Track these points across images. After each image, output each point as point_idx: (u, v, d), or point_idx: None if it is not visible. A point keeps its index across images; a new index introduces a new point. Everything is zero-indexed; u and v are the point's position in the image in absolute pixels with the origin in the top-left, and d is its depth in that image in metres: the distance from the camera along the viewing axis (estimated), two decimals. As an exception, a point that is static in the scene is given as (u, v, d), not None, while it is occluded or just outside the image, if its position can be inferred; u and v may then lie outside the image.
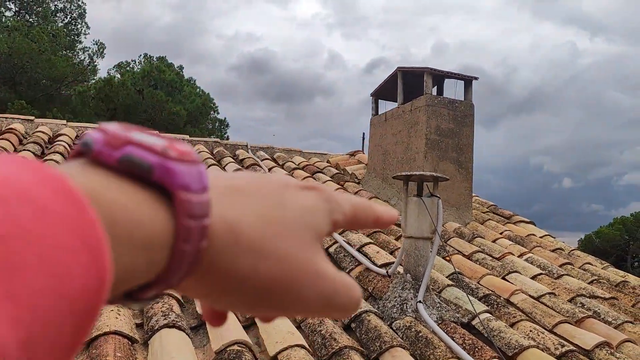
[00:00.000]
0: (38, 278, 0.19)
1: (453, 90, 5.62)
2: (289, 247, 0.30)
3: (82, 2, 19.81)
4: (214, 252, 0.27)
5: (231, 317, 2.62)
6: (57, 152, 5.22)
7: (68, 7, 19.62)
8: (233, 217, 0.29)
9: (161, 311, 2.59)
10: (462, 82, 5.46)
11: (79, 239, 0.20)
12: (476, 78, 5.39)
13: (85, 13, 19.99)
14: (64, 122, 6.63)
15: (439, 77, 5.54)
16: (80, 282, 0.20)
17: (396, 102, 5.72)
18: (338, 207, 0.34)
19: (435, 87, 5.61)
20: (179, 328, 2.48)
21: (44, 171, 0.21)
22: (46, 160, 4.89)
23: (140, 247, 0.25)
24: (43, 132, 5.91)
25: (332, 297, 0.32)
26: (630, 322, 3.42)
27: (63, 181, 0.21)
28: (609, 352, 2.92)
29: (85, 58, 20.18)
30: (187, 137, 7.07)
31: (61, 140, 5.73)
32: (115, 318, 2.47)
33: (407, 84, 5.62)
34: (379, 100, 6.30)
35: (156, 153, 0.26)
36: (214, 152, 6.60)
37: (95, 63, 20.53)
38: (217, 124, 20.96)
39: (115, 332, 2.35)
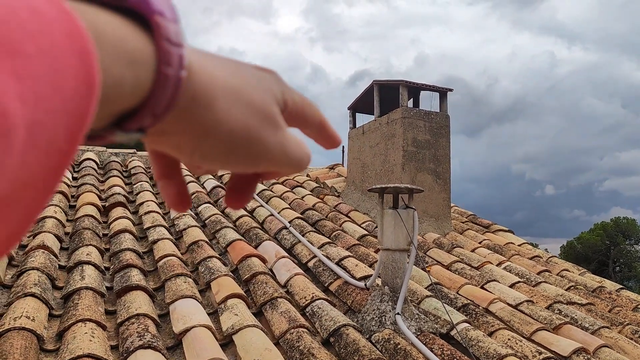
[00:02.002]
0: (38, 67, 0.19)
1: (429, 102, 5.68)
2: (256, 98, 0.33)
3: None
4: (193, 90, 0.29)
5: (208, 335, 2.60)
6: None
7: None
8: (208, 64, 0.31)
9: (136, 332, 2.55)
10: (438, 94, 5.52)
11: (69, 41, 0.21)
12: (451, 90, 5.46)
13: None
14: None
15: (415, 90, 5.60)
16: (72, 83, 0.21)
17: (373, 114, 5.77)
18: (289, 90, 0.37)
19: (412, 99, 5.67)
20: (155, 349, 2.45)
21: None
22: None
23: (125, 61, 0.25)
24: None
25: (288, 147, 0.35)
26: (607, 327, 3.46)
27: None
28: (586, 357, 2.95)
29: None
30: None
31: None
32: (89, 341, 2.43)
33: (383, 97, 5.68)
34: (357, 113, 6.35)
35: None
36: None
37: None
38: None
39: (89, 355, 2.31)
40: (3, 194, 0.19)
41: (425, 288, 3.63)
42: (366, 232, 4.74)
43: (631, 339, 3.43)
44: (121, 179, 5.60)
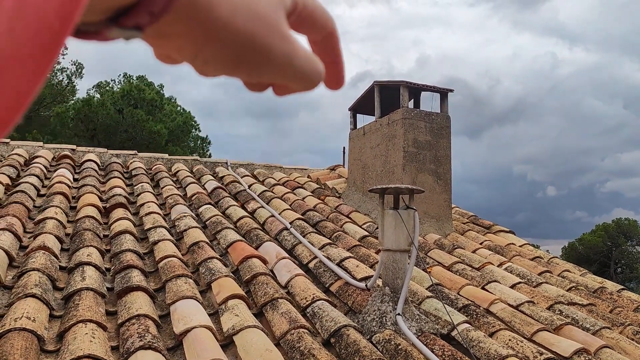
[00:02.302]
0: None
1: (430, 103, 5.69)
2: (261, 6, 0.32)
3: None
4: None
5: (209, 336, 2.60)
6: (33, 175, 5.15)
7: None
8: None
9: (137, 332, 2.55)
10: (438, 94, 5.53)
11: None
12: (451, 90, 5.47)
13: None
14: (40, 144, 6.57)
15: (415, 90, 5.60)
16: None
17: (374, 115, 5.77)
18: None
19: (412, 100, 5.67)
20: (155, 349, 2.45)
21: None
22: (20, 183, 4.83)
23: None
24: (19, 155, 5.84)
25: (296, 59, 0.34)
26: (608, 328, 3.46)
27: None
28: (587, 358, 2.94)
29: (63, 79, 20.01)
30: (166, 155, 7.03)
31: (37, 163, 5.67)
32: (90, 341, 2.43)
33: (384, 98, 5.68)
34: (357, 114, 6.35)
35: None
36: (194, 170, 6.58)
37: (74, 83, 20.36)
38: (199, 142, 20.89)
39: (89, 356, 2.31)
40: None
41: (426, 289, 3.63)
42: (367, 233, 4.74)
43: (632, 339, 3.42)
44: (122, 180, 5.61)
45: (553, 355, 2.91)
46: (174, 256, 3.55)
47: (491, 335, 3.11)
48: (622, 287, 4.53)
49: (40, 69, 0.20)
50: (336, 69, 0.40)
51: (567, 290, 4.17)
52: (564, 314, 3.61)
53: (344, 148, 7.46)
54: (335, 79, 0.40)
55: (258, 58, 0.32)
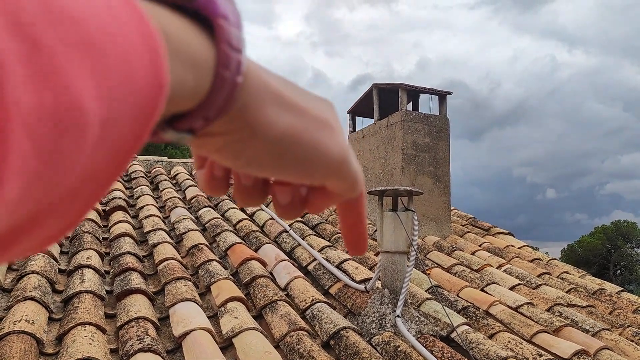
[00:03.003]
0: (114, 66, 0.20)
1: (428, 105, 5.70)
2: (311, 107, 0.32)
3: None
4: (246, 93, 0.29)
5: (208, 338, 2.59)
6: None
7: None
8: (262, 73, 0.30)
9: (136, 335, 2.55)
10: (437, 97, 5.54)
11: (143, 41, 0.21)
12: (450, 93, 5.48)
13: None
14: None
15: (414, 93, 5.61)
16: (143, 83, 0.21)
17: (373, 118, 5.78)
18: (340, 124, 0.36)
19: (411, 102, 5.69)
20: (155, 352, 2.45)
21: None
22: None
23: (189, 64, 0.25)
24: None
25: (348, 151, 0.34)
26: (607, 329, 3.46)
27: None
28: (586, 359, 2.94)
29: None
30: (166, 158, 7.04)
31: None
32: (89, 344, 2.43)
33: (382, 101, 5.69)
34: (356, 117, 6.36)
35: None
36: (193, 173, 6.58)
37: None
38: (198, 145, 20.89)
39: (89, 359, 2.31)
40: (70, 188, 0.20)
41: (426, 290, 3.63)
42: (366, 236, 4.73)
43: (632, 340, 3.42)
44: (121, 183, 5.61)
45: (552, 357, 2.91)
46: (173, 259, 3.54)
47: (491, 337, 3.11)
48: (622, 288, 4.53)
49: (110, 180, 0.22)
50: (359, 231, 0.39)
51: (567, 292, 4.17)
52: (563, 315, 3.61)
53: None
54: (357, 242, 0.40)
55: (308, 153, 0.32)
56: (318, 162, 0.32)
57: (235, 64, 0.27)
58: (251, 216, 5.04)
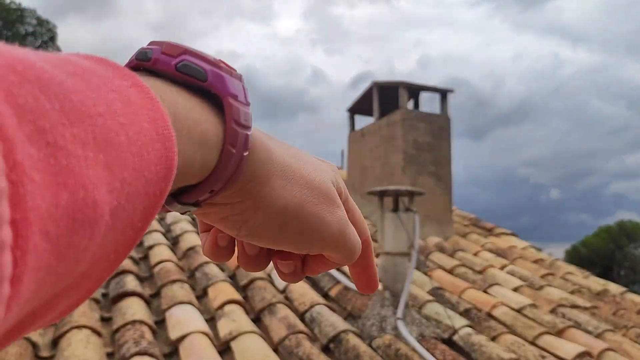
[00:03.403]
0: (127, 155, 0.21)
1: (430, 104, 5.66)
2: (314, 177, 0.33)
3: (53, 26, 19.57)
4: (253, 166, 0.30)
5: (205, 342, 2.55)
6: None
7: (39, 30, 19.39)
8: (269, 144, 0.31)
9: (132, 339, 2.51)
10: (438, 95, 5.48)
11: (154, 128, 0.22)
12: (451, 90, 5.42)
13: (57, 36, 19.75)
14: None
15: (415, 91, 5.56)
16: (154, 168, 0.22)
17: (373, 117, 5.73)
18: (344, 185, 0.38)
19: (412, 101, 5.63)
20: (151, 355, 2.41)
21: (119, 67, 0.23)
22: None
23: (197, 142, 0.26)
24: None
25: (347, 228, 0.35)
26: (611, 331, 3.40)
27: (136, 76, 0.23)
28: (590, 362, 2.89)
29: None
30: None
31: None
32: (84, 347, 2.40)
33: (383, 99, 5.64)
34: (356, 115, 6.31)
35: (210, 63, 0.29)
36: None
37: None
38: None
39: (84, 363, 2.28)
40: (82, 272, 0.21)
41: (427, 292, 3.58)
42: (367, 236, 4.68)
43: (636, 342, 3.37)
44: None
45: (556, 359, 2.86)
46: (169, 261, 3.50)
47: (493, 339, 3.06)
48: (626, 289, 4.48)
49: (119, 259, 0.23)
50: (368, 274, 0.41)
51: (570, 293, 4.12)
52: (566, 316, 3.55)
53: (342, 151, 7.41)
54: (368, 284, 0.41)
55: (308, 226, 0.33)
56: (317, 235, 0.33)
57: (242, 140, 0.28)
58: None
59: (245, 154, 0.29)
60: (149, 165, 0.22)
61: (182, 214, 0.31)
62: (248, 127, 0.29)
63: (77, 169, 0.18)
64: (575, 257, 27.12)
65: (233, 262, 3.68)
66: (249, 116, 0.29)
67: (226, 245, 0.37)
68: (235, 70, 0.30)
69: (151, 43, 0.29)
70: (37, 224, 0.17)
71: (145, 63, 0.28)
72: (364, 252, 0.39)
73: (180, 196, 0.29)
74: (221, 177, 0.28)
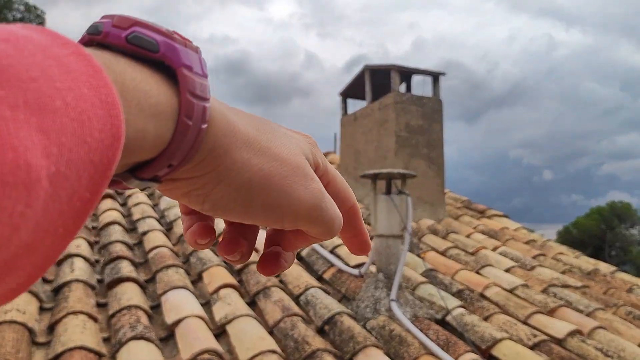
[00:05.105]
0: (64, 120, 0.20)
1: (422, 87, 5.65)
2: (282, 151, 0.32)
3: (42, 12, 19.32)
4: (213, 139, 0.29)
5: (201, 326, 2.57)
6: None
7: (27, 16, 19.13)
8: (231, 117, 0.30)
9: (129, 323, 2.53)
10: (430, 78, 5.48)
11: (96, 95, 0.22)
12: (443, 73, 5.42)
13: (45, 23, 19.48)
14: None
15: (407, 74, 5.55)
16: (97, 135, 0.21)
17: (365, 100, 5.72)
18: (322, 156, 0.36)
19: (404, 84, 5.63)
20: (148, 339, 2.43)
21: (60, 36, 0.22)
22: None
23: (149, 114, 0.26)
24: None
25: (322, 199, 0.33)
26: (602, 309, 3.46)
27: (78, 45, 0.23)
28: (580, 339, 2.94)
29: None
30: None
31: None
32: (81, 332, 2.41)
33: (375, 82, 5.63)
34: (348, 99, 6.30)
35: (162, 34, 0.28)
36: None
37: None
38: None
39: (81, 347, 2.29)
40: (24, 243, 0.20)
41: (420, 274, 3.61)
42: (360, 220, 4.71)
43: (625, 319, 3.43)
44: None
45: (547, 337, 2.91)
46: (164, 246, 3.51)
47: (486, 319, 3.11)
48: (616, 268, 4.54)
49: (70, 233, 0.22)
50: (359, 240, 0.40)
51: (561, 273, 4.17)
52: (558, 296, 3.61)
53: (335, 134, 7.41)
54: (359, 248, 0.41)
55: (276, 200, 0.32)
56: (287, 209, 0.32)
57: (199, 111, 0.27)
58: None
59: (204, 126, 0.28)
60: (91, 131, 0.21)
61: (141, 190, 0.30)
62: (205, 99, 0.28)
63: (4, 130, 0.18)
64: (567, 238, 27.35)
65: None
66: (206, 88, 0.28)
67: (206, 243, 0.37)
68: (191, 42, 0.29)
69: (103, 17, 0.28)
70: None
71: (96, 37, 0.27)
72: (352, 220, 0.39)
73: (138, 171, 0.28)
74: (178, 151, 0.27)
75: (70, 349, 2.27)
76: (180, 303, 2.76)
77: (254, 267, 3.31)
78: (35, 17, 19.14)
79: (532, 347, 2.79)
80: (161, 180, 0.29)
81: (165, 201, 4.62)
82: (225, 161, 0.29)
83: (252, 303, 3.02)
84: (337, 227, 0.35)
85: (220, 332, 2.67)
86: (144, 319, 2.60)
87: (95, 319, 2.61)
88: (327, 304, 2.92)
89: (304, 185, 0.32)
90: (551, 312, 3.32)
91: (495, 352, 2.73)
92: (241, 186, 0.30)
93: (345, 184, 0.38)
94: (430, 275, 3.50)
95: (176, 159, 0.28)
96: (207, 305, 2.92)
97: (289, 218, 0.33)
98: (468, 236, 4.78)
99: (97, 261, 3.40)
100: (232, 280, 3.08)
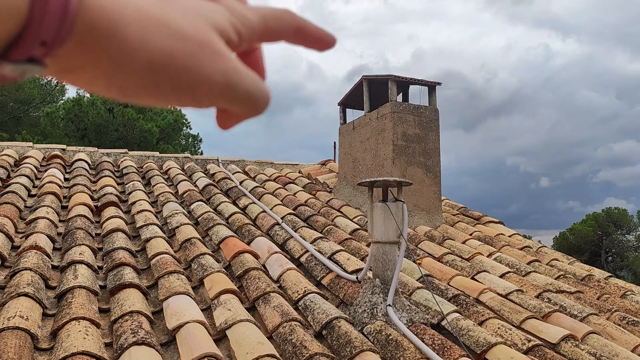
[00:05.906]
0: None
1: (419, 97, 5.73)
2: (185, 25, 0.29)
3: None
4: (93, 12, 0.26)
5: (202, 331, 2.62)
6: (24, 175, 5.15)
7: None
8: None
9: (130, 329, 2.57)
10: (427, 88, 5.56)
11: None
12: (439, 83, 5.50)
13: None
14: (30, 144, 6.55)
15: (404, 84, 5.64)
16: None
17: (363, 110, 5.80)
18: (242, 18, 0.33)
19: (401, 94, 5.71)
20: (149, 345, 2.47)
21: None
22: (10, 183, 4.83)
23: None
24: (8, 155, 5.82)
25: (234, 76, 0.31)
26: (595, 314, 3.52)
27: None
28: (574, 344, 3.00)
29: (53, 78, 19.84)
30: (157, 154, 7.04)
31: (27, 163, 5.66)
32: (83, 338, 2.45)
33: (373, 92, 5.71)
34: (347, 109, 6.38)
35: None
36: (185, 168, 6.58)
37: (63, 83, 20.16)
38: (190, 140, 20.82)
39: (83, 353, 2.33)
40: None
41: (417, 280, 3.67)
42: (358, 227, 4.77)
43: (619, 325, 3.48)
44: (113, 179, 5.61)
45: (541, 342, 2.96)
46: (166, 253, 3.57)
47: (480, 324, 3.16)
48: (610, 274, 4.60)
49: None
50: (319, 35, 0.37)
51: (556, 279, 4.23)
52: (552, 301, 3.66)
53: (334, 143, 7.48)
54: (321, 43, 0.38)
55: (185, 81, 0.29)
56: (199, 90, 0.30)
57: None
58: (243, 210, 5.06)
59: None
60: None
61: (21, 77, 0.26)
62: None
63: None
64: (564, 245, 27.40)
65: (228, 254, 3.75)
66: None
67: None
68: None
69: None
70: None
71: None
72: (299, 31, 0.36)
73: (8, 52, 0.25)
74: (44, 24, 0.24)
75: (73, 355, 2.30)
76: (181, 309, 2.81)
77: (254, 273, 3.37)
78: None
79: (526, 352, 2.85)
80: (42, 63, 0.26)
81: (168, 208, 4.67)
82: (115, 41, 0.27)
83: (251, 308, 3.08)
84: (261, 102, 0.33)
85: (220, 337, 2.72)
86: (146, 325, 2.65)
87: (97, 325, 2.66)
88: (325, 309, 2.98)
89: (210, 63, 0.30)
90: (545, 317, 3.37)
91: (489, 356, 2.78)
92: (143, 69, 0.28)
93: (278, 17, 0.35)
94: (426, 281, 3.56)
95: (45, 34, 0.25)
96: (207, 310, 2.98)
97: (203, 99, 0.31)
98: (464, 242, 4.85)
99: (100, 268, 3.45)
100: (232, 286, 3.14)
